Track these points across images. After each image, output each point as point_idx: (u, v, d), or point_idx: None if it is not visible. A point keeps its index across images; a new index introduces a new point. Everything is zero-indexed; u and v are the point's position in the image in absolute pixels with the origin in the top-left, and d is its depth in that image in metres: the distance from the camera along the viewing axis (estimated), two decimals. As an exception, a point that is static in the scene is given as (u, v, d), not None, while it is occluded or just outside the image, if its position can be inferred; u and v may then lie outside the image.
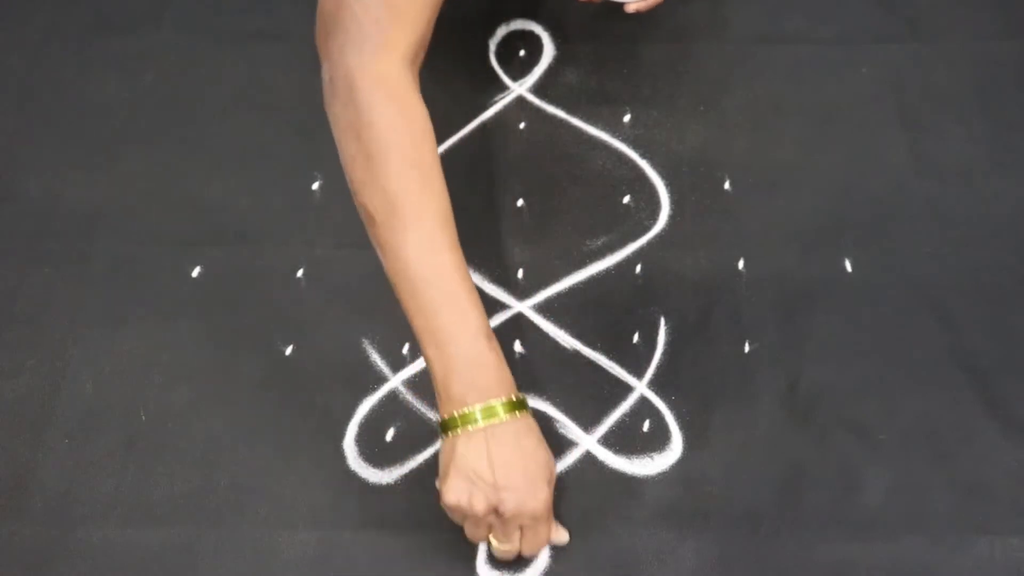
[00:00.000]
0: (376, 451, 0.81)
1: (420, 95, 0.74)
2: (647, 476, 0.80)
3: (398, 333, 0.86)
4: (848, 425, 0.82)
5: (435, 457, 0.80)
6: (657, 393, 0.84)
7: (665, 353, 0.85)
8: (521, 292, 0.89)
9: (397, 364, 0.85)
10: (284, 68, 1.02)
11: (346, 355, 0.86)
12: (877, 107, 0.99)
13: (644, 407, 0.83)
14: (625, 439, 0.82)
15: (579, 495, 0.79)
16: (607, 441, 0.82)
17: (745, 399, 0.83)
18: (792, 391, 0.83)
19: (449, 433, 0.70)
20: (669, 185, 0.95)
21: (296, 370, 0.85)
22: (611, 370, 0.85)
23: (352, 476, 0.80)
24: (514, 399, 0.71)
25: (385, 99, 0.72)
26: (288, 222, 0.93)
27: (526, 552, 0.74)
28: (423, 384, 0.84)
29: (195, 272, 0.90)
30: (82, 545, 0.77)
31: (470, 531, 0.73)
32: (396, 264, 0.71)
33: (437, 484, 0.73)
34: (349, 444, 0.82)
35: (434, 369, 0.71)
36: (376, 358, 0.85)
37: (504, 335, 0.86)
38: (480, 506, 0.70)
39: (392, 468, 0.81)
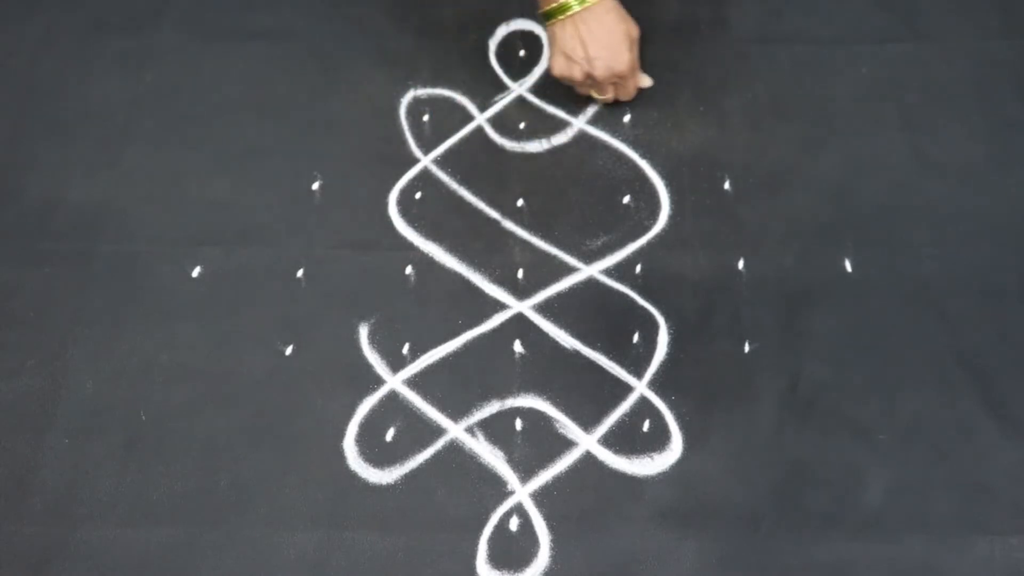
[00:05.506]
0: (376, 451, 0.81)
1: None
2: (647, 476, 0.80)
3: (398, 333, 0.87)
4: (848, 425, 0.82)
5: (435, 457, 0.81)
6: (657, 393, 0.84)
7: (665, 353, 0.85)
8: (521, 292, 0.89)
9: (397, 364, 0.85)
10: (284, 68, 1.02)
11: (346, 355, 0.86)
12: (877, 107, 0.99)
13: (644, 407, 0.83)
14: (625, 439, 0.82)
15: (579, 495, 0.79)
16: (607, 441, 0.82)
17: (745, 399, 0.83)
18: (792, 391, 0.83)
19: (551, 21, 0.91)
20: (669, 185, 0.94)
21: (296, 370, 0.85)
22: (611, 370, 0.85)
23: (352, 476, 0.80)
24: None
25: None
26: (288, 222, 0.93)
27: (621, 98, 0.96)
28: (423, 384, 0.84)
29: (195, 272, 0.90)
30: (82, 545, 0.77)
31: (579, 89, 0.96)
32: None
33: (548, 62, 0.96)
34: (349, 444, 0.82)
35: None
36: (376, 358, 0.86)
37: (504, 335, 0.86)
38: (578, 75, 0.92)
39: (392, 468, 0.81)
